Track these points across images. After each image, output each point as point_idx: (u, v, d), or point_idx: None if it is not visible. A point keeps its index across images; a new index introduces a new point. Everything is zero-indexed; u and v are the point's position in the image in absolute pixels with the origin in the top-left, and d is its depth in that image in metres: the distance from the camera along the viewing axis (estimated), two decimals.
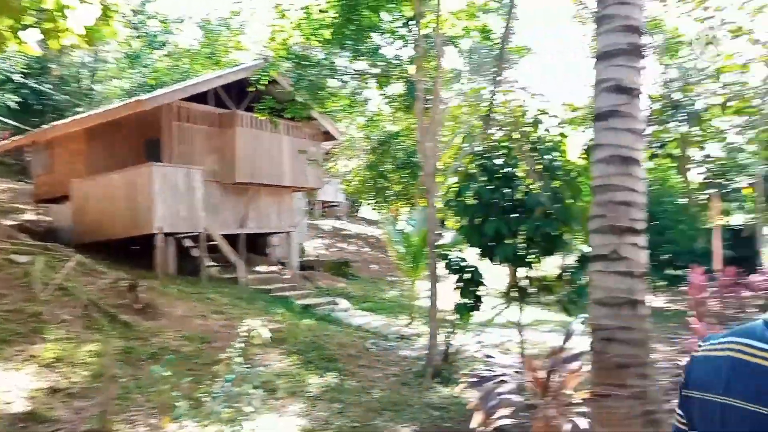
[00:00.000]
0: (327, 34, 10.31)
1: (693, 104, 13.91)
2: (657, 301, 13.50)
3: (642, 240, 4.20)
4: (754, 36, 15.36)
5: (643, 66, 4.06)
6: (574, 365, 4.07)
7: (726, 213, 17.86)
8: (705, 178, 16.80)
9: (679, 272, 13.08)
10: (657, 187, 14.00)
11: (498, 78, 6.17)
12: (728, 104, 14.98)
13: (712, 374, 1.02)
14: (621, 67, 4.08)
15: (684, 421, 1.10)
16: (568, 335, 4.26)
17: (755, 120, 14.64)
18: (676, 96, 14.24)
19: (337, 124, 16.16)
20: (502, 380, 4.13)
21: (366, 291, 14.54)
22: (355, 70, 11.28)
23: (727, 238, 14.27)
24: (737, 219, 19.87)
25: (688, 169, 17.03)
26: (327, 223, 22.37)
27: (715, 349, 1.06)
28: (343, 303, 11.99)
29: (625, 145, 4.14)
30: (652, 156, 15.68)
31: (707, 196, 14.79)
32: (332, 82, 11.52)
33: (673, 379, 7.02)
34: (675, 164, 16.15)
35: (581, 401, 4.11)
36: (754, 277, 12.31)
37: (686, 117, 13.80)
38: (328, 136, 15.51)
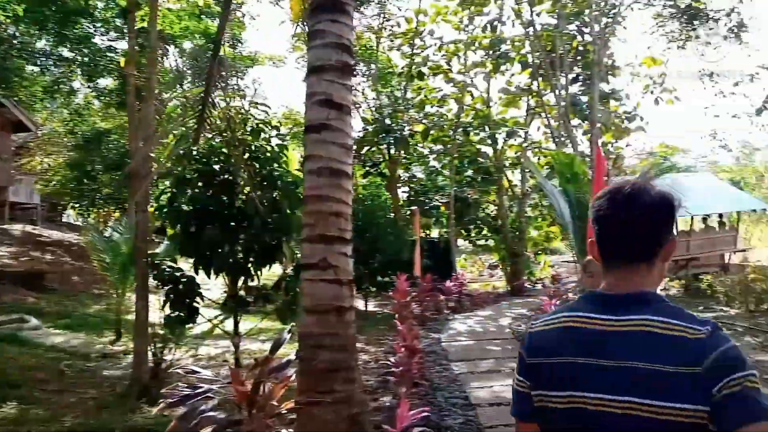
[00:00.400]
0: (19, 10, 8.79)
1: (401, 130, 15.61)
2: (369, 306, 14.66)
3: (349, 249, 4.40)
4: (450, 75, 18.05)
5: (353, 84, 4.30)
6: (283, 375, 4.05)
7: (426, 227, 20.44)
8: (409, 196, 18.96)
9: (387, 279, 14.41)
10: (369, 203, 15.23)
11: (218, 83, 5.93)
12: (429, 132, 17.26)
13: (553, 342, 1.26)
14: (332, 82, 4.23)
15: (525, 384, 1.31)
16: (276, 344, 4.22)
17: (449, 148, 17.15)
18: (387, 121, 15.80)
19: (34, 115, 13.88)
20: (207, 396, 3.87)
21: (64, 306, 12.71)
22: (58, 56, 9.83)
23: (427, 249, 16.26)
24: (436, 233, 22.89)
25: (398, 187, 19.02)
26: (17, 228, 19.02)
27: (550, 324, 1.30)
28: (34, 321, 10.26)
29: (335, 158, 4.30)
30: (366, 174, 17.13)
31: (410, 211, 16.67)
32: (31, 68, 9.84)
33: (379, 378, 7.70)
34: (385, 182, 17.87)
35: (289, 411, 4.10)
36: (448, 283, 14.32)
37: (395, 141, 15.39)
38: (20, 126, 13.21)
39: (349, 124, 4.39)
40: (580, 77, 15.96)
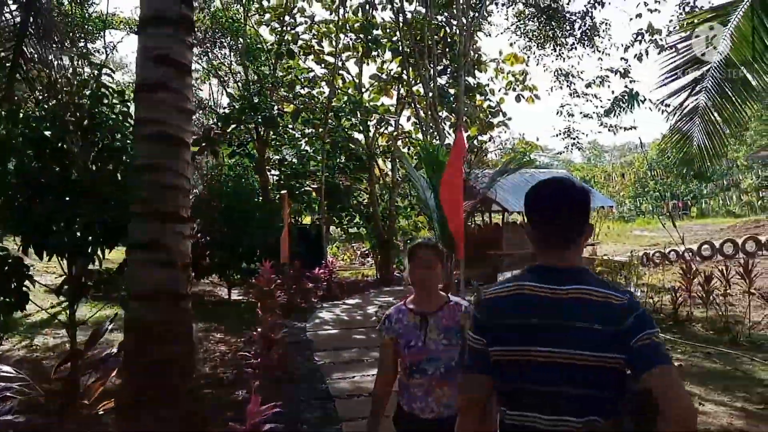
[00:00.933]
0: None
1: (270, 109, 14.96)
2: (234, 294, 13.95)
3: (187, 229, 3.93)
4: (322, 56, 17.64)
5: (193, 41, 3.81)
6: (104, 369, 3.51)
7: (298, 213, 19.92)
8: (279, 180, 18.33)
9: (254, 266, 13.81)
10: (235, 184, 14.51)
11: (36, 37, 5.10)
12: (300, 114, 16.76)
13: (508, 306, 1.54)
14: (169, 37, 3.72)
15: (482, 342, 1.58)
16: (94, 335, 3.66)
17: (321, 132, 16.78)
18: (255, 99, 15.09)
19: None
20: (5, 397, 3.25)
21: None
22: None
23: (297, 236, 15.83)
24: (308, 220, 22.44)
25: (268, 170, 18.35)
26: None
27: (503, 291, 1.60)
28: None
29: (173, 123, 3.79)
30: (232, 154, 16.30)
31: (279, 196, 16.13)
32: None
33: (236, 371, 7.22)
34: (253, 164, 17.12)
35: (111, 410, 3.57)
36: (317, 271, 14.01)
37: (262, 120, 14.72)
38: None
39: (189, 87, 3.89)
40: (449, 69, 16.31)
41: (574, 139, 17.53)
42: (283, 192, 16.06)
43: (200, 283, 15.37)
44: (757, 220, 25.57)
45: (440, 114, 14.64)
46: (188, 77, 3.85)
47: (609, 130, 17.04)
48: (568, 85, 15.86)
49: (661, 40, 13.10)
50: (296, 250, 14.09)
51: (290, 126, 17.98)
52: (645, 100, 13.30)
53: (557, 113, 17.21)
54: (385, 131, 19.47)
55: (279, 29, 16.07)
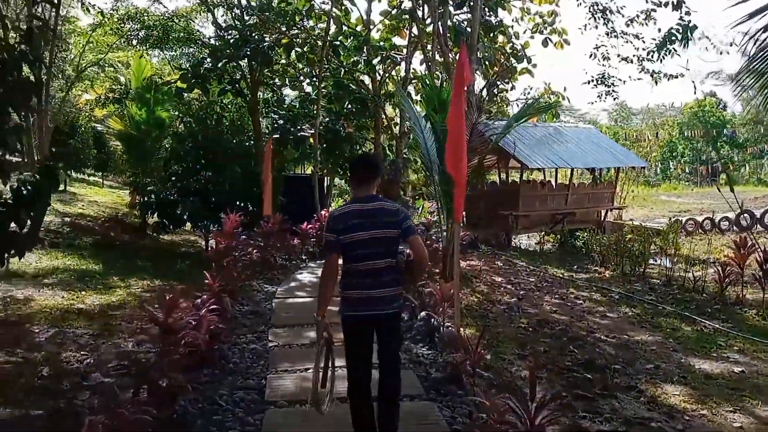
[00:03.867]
0: None
1: (261, 41, 13.16)
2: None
3: None
4: None
5: None
6: None
7: (290, 161, 18.27)
8: (275, 125, 16.66)
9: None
10: (216, 124, 12.92)
11: None
12: (294, 48, 14.87)
13: (347, 216, 3.25)
14: None
15: (334, 236, 3.21)
16: None
17: (320, 71, 14.96)
18: (248, 32, 13.31)
19: None
20: None
21: None
22: None
23: (286, 187, 14.25)
24: (310, 170, 20.76)
25: (261, 112, 16.69)
26: None
27: (344, 209, 3.33)
28: None
29: None
30: (222, 91, 14.57)
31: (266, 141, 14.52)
32: None
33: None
34: (247, 106, 15.42)
35: None
36: (305, 225, 12.41)
37: (251, 53, 12.94)
38: None
39: None
40: (467, 2, 14.24)
41: (609, 87, 15.47)
42: (274, 136, 14.41)
43: (182, 231, 13.96)
44: None
45: (453, 51, 12.69)
46: None
47: (652, 77, 14.86)
48: (605, 23, 13.72)
49: None
50: (281, 201, 12.54)
51: (290, 66, 16.15)
52: (702, 36, 11.16)
53: (590, 56, 15.12)
54: (396, 75, 17.57)
55: None
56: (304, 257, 11.58)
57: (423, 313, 5.98)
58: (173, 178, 12.16)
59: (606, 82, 15.36)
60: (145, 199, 12.64)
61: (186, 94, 15.01)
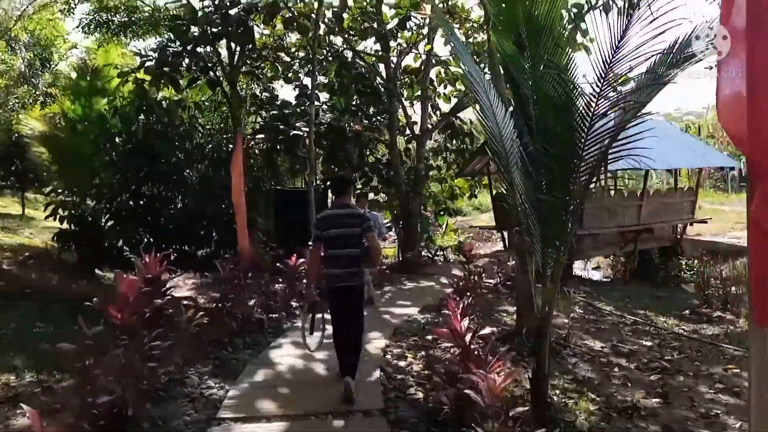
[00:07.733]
0: None
1: (236, 3, 9.54)
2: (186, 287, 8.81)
3: None
4: None
5: None
6: None
7: (286, 170, 14.51)
8: (264, 123, 13.05)
9: (205, 250, 8.72)
10: (168, 122, 9.27)
11: None
12: (277, 13, 11.18)
13: (329, 218, 5.06)
14: None
15: (320, 232, 4.98)
16: None
17: (311, 41, 11.28)
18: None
19: None
20: None
21: None
22: None
23: (277, 204, 10.58)
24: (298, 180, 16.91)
25: (245, 107, 13.10)
26: None
27: (327, 213, 5.22)
28: None
29: None
30: (192, 81, 10.95)
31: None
32: None
33: None
34: (230, 99, 11.79)
35: None
36: (294, 261, 8.60)
37: (224, 22, 9.33)
38: None
39: None
40: None
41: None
42: (237, 134, 10.46)
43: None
44: None
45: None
46: None
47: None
48: None
49: None
50: (265, 227, 8.83)
51: (279, 41, 12.48)
52: None
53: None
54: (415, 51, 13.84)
55: None
56: (295, 309, 7.82)
57: None
58: (104, 195, 8.45)
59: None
60: (64, 225, 8.89)
61: (152, 89, 11.19)
